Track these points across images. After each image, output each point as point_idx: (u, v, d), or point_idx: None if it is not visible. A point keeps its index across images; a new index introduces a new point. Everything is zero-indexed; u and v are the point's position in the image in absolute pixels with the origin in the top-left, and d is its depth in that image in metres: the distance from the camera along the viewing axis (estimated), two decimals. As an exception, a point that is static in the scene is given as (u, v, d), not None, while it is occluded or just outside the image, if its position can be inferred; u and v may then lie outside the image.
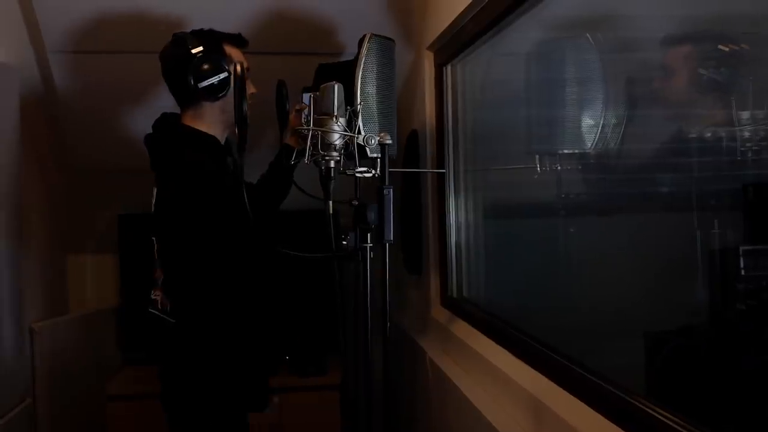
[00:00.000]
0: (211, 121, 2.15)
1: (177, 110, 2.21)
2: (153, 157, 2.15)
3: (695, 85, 1.91)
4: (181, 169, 2.06)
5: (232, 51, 2.16)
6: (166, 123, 2.18)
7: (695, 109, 1.94)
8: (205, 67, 2.07)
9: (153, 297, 2.19)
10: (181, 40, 2.10)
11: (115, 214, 3.26)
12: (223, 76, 2.08)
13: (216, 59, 2.08)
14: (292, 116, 2.21)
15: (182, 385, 2.11)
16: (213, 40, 2.13)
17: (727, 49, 1.81)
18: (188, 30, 2.16)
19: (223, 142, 2.20)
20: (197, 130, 2.14)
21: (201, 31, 2.15)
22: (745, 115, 1.64)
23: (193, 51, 2.06)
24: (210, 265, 2.06)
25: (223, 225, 2.03)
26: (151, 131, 2.19)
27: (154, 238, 2.15)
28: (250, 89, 2.17)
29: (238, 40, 2.19)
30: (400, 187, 2.95)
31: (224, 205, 2.02)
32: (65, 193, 3.15)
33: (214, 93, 2.09)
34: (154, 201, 2.13)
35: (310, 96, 2.11)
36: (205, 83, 2.06)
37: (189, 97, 2.12)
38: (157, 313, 2.16)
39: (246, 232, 2.10)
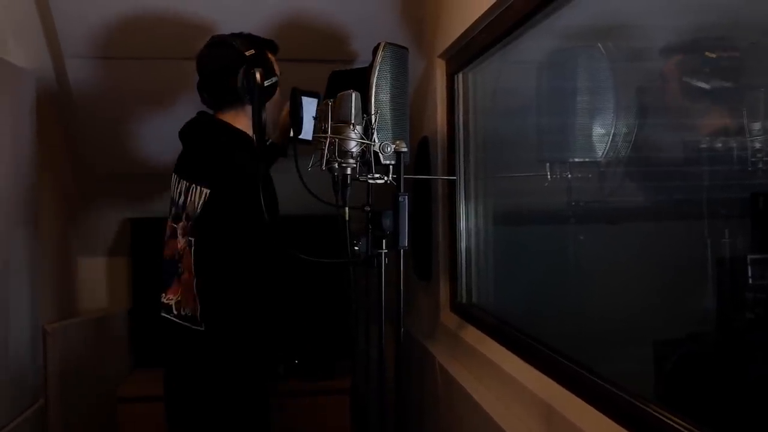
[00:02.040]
0: (245, 123, 2.18)
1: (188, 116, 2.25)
2: (193, 153, 2.17)
3: (703, 95, 1.93)
4: (238, 173, 2.07)
5: (272, 58, 2.20)
6: (206, 122, 2.18)
7: (705, 119, 1.95)
8: (260, 70, 2.08)
9: (165, 301, 2.18)
10: (229, 42, 2.12)
11: (127, 218, 3.29)
12: (275, 79, 2.14)
13: (269, 62, 2.14)
14: (283, 114, 2.23)
15: (199, 389, 2.11)
16: (258, 44, 2.16)
17: (729, 56, 1.84)
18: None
19: None
20: (243, 132, 2.16)
21: (242, 34, 2.17)
22: (757, 126, 1.66)
23: (246, 53, 2.09)
24: (248, 270, 2.07)
25: (262, 231, 2.03)
26: (185, 127, 2.20)
27: (192, 239, 2.10)
28: (276, 95, 2.22)
29: (274, 47, 2.23)
30: (411, 193, 2.96)
31: (263, 211, 2.02)
32: (79, 197, 3.17)
33: (268, 94, 2.13)
34: (191, 199, 2.10)
35: (318, 101, 2.15)
36: (267, 82, 2.10)
37: (232, 98, 2.14)
38: (171, 318, 2.15)
39: (273, 238, 2.12)
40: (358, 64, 2.58)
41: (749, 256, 1.58)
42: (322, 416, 3.01)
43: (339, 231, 1.98)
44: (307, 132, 2.09)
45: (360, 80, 2.07)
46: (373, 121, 1.94)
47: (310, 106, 2.15)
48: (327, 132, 1.88)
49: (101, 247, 3.36)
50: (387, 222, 1.93)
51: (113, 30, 2.55)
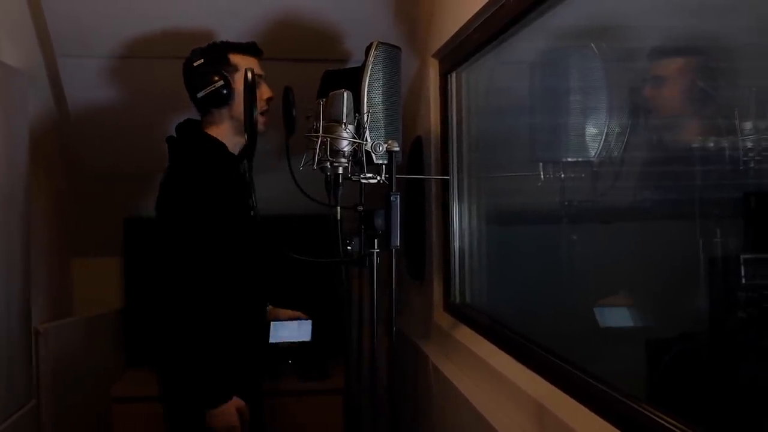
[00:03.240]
0: (221, 126, 2.24)
1: (189, 114, 2.29)
2: (171, 157, 2.23)
3: (695, 95, 1.93)
4: (187, 172, 2.14)
5: (240, 60, 2.22)
6: (187, 128, 2.26)
7: (698, 119, 1.95)
8: (203, 77, 2.17)
9: None
10: (190, 55, 2.21)
11: (120, 218, 3.28)
12: (218, 84, 2.17)
13: (212, 70, 2.18)
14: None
15: (175, 382, 2.15)
16: (217, 51, 2.22)
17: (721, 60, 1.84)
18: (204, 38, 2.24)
19: (239, 148, 2.27)
20: (210, 135, 2.22)
21: (213, 44, 2.24)
22: (748, 125, 1.66)
23: (195, 64, 2.18)
24: (197, 268, 2.08)
25: (216, 231, 2.09)
26: (173, 134, 2.27)
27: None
28: (267, 94, 2.25)
29: (249, 49, 2.25)
30: (404, 193, 2.97)
31: (223, 212, 2.11)
32: (72, 197, 3.17)
33: (215, 101, 2.19)
34: None
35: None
36: (202, 93, 2.18)
37: (197, 106, 2.23)
38: None
39: (244, 238, 2.18)
40: (352, 64, 2.58)
41: (742, 256, 1.58)
42: (315, 416, 3.01)
43: (331, 231, 1.98)
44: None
45: (353, 80, 2.07)
46: (364, 120, 1.94)
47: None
48: (318, 131, 1.87)
49: (94, 247, 3.36)
50: (379, 221, 1.93)
51: (106, 30, 2.55)
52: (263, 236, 2.14)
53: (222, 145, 2.22)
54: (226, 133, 2.24)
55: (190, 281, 2.05)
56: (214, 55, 2.20)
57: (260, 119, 2.20)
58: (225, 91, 2.18)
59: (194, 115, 2.28)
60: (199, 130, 2.25)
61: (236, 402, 2.10)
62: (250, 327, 2.30)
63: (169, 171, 2.17)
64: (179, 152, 2.21)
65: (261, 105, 2.22)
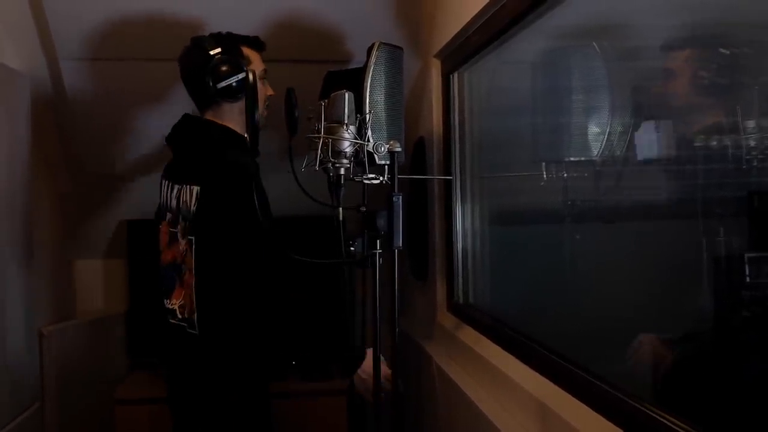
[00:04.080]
0: (231, 121, 2.18)
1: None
2: (183, 156, 2.17)
3: (697, 93, 1.92)
4: (230, 169, 2.05)
5: (249, 53, 2.19)
6: (193, 123, 2.19)
7: (701, 117, 1.94)
8: (223, 68, 2.10)
9: (170, 306, 2.15)
10: (200, 42, 2.14)
11: (123, 220, 3.28)
12: (241, 76, 2.11)
13: (234, 60, 2.11)
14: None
15: (199, 391, 2.10)
16: (231, 41, 2.16)
17: (728, 53, 1.83)
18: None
19: None
20: (231, 129, 2.16)
21: (219, 34, 2.18)
22: (751, 123, 1.65)
23: (212, 53, 2.10)
24: (245, 270, 2.03)
25: (262, 231, 2.01)
26: (171, 132, 2.20)
27: (192, 238, 2.08)
28: (268, 91, 2.23)
29: (255, 44, 2.23)
30: (407, 194, 2.97)
31: (257, 211, 2.00)
32: (74, 199, 3.17)
33: (233, 93, 2.12)
34: (184, 200, 2.09)
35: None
36: (223, 83, 2.10)
37: (208, 98, 2.15)
38: (177, 322, 2.12)
39: (268, 239, 2.10)
40: (354, 65, 2.57)
41: (746, 255, 1.57)
42: (319, 417, 3.01)
43: (334, 232, 1.98)
44: None
45: (355, 80, 2.07)
46: (366, 121, 1.94)
47: None
48: (320, 132, 1.87)
49: (97, 249, 3.36)
50: (381, 222, 1.93)
51: (108, 31, 2.55)
52: (268, 237, 2.12)
53: (244, 138, 2.13)
54: (237, 126, 2.18)
55: (249, 292, 2.02)
56: (230, 46, 2.14)
57: (264, 114, 2.19)
58: (242, 84, 2.10)
59: (187, 109, 2.23)
60: (219, 124, 2.16)
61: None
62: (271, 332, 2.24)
63: (206, 174, 2.07)
64: (210, 151, 2.11)
65: (264, 102, 2.20)
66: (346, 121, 1.90)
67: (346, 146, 1.90)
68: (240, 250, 2.02)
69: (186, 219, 2.09)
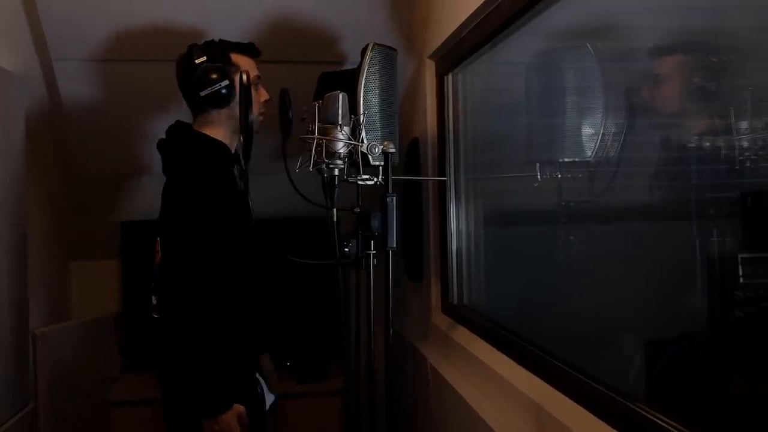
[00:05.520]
0: (219, 127, 2.18)
1: (182, 117, 2.24)
2: (164, 161, 2.18)
3: (691, 95, 1.93)
4: (190, 173, 2.07)
5: (240, 60, 2.18)
6: (179, 129, 2.21)
7: (693, 118, 1.95)
8: (207, 76, 2.11)
9: (154, 302, 2.19)
10: (189, 50, 2.15)
11: (117, 221, 3.27)
12: (224, 84, 2.11)
13: (218, 68, 2.12)
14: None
15: (177, 386, 2.10)
16: (219, 49, 2.16)
17: (717, 60, 1.84)
18: (201, 40, 2.20)
19: (233, 149, 2.22)
20: (208, 135, 2.17)
21: (211, 41, 2.19)
22: (744, 124, 1.66)
23: (197, 61, 2.11)
24: (207, 271, 2.03)
25: (224, 233, 2.03)
26: (164, 137, 2.21)
27: (159, 238, 2.13)
28: (264, 96, 2.23)
29: (248, 50, 2.22)
30: (401, 195, 2.97)
31: (228, 214, 2.04)
32: (68, 200, 3.16)
33: (218, 101, 2.12)
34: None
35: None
36: (206, 92, 2.10)
37: (196, 105, 2.17)
38: (156, 316, 2.15)
39: (247, 240, 2.12)
40: (348, 66, 2.58)
41: (740, 255, 1.58)
42: (314, 418, 3.01)
43: (328, 232, 1.98)
44: None
45: (350, 81, 2.07)
46: (360, 122, 1.94)
47: None
48: (314, 133, 1.87)
49: (91, 251, 3.35)
50: (376, 223, 1.93)
51: (102, 33, 2.54)
52: (261, 239, 2.12)
53: (225, 146, 2.18)
54: (224, 134, 2.19)
55: (199, 287, 2.00)
56: (217, 54, 2.15)
57: (258, 121, 2.19)
58: (228, 92, 2.12)
59: (184, 116, 2.24)
60: (195, 131, 2.19)
61: (237, 409, 2.04)
62: (253, 331, 2.24)
63: (170, 177, 2.11)
64: (177, 156, 2.15)
65: (258, 107, 2.20)
66: (340, 122, 1.90)
67: (340, 147, 1.90)
68: (187, 251, 2.02)
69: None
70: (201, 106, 2.16)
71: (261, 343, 2.32)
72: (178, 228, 2.04)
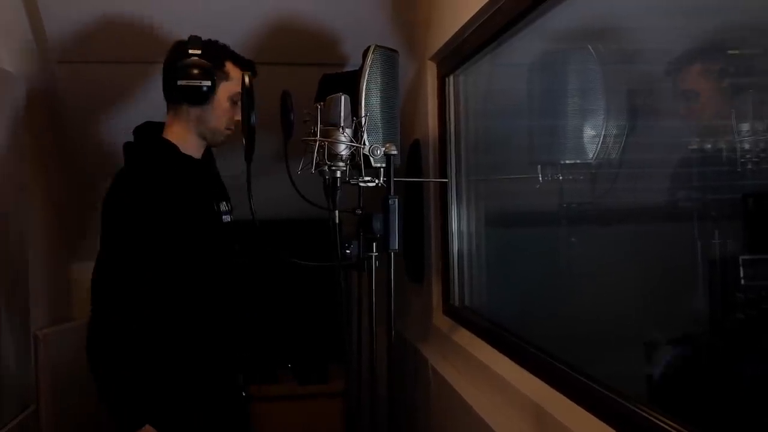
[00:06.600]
0: (187, 126, 2.10)
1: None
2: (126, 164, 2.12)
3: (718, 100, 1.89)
4: (131, 179, 2.02)
5: (233, 71, 2.11)
6: (144, 131, 2.14)
7: (703, 121, 1.94)
8: (192, 69, 2.03)
9: None
10: (185, 42, 2.08)
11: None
12: (206, 83, 2.03)
13: (206, 67, 2.04)
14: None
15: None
16: (217, 51, 2.10)
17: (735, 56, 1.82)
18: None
19: (201, 153, 2.15)
20: (164, 139, 2.10)
21: (215, 42, 2.13)
22: (745, 126, 1.66)
23: (190, 51, 2.05)
24: (127, 284, 1.99)
25: (161, 241, 1.97)
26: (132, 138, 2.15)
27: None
28: (236, 115, 2.12)
29: (246, 65, 2.14)
30: (403, 196, 2.97)
31: (171, 220, 1.99)
32: (69, 202, 3.16)
33: (192, 96, 2.04)
34: None
35: None
36: (184, 82, 2.02)
37: (170, 94, 2.09)
38: None
39: (199, 245, 2.06)
40: (350, 68, 2.57)
41: (741, 257, 1.58)
42: (315, 420, 3.01)
43: (330, 234, 1.98)
44: None
45: (351, 83, 2.08)
46: (362, 124, 1.95)
47: None
48: (316, 135, 1.88)
49: (93, 252, 3.34)
50: (377, 225, 1.94)
51: (103, 34, 2.54)
52: (263, 241, 2.11)
53: (174, 147, 2.09)
54: (187, 133, 2.10)
55: (133, 291, 1.95)
56: (212, 54, 2.08)
57: (225, 134, 2.13)
58: (206, 92, 2.04)
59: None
60: (155, 133, 2.11)
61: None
62: (219, 336, 2.13)
63: (117, 175, 2.04)
64: (132, 156, 2.08)
65: (230, 122, 2.12)
66: (342, 124, 1.90)
67: (342, 149, 1.90)
68: (115, 265, 2.00)
69: None
70: (174, 97, 2.08)
71: (231, 361, 2.20)
72: (119, 231, 1.99)
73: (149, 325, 1.97)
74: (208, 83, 2.04)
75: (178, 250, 2.00)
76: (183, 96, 2.05)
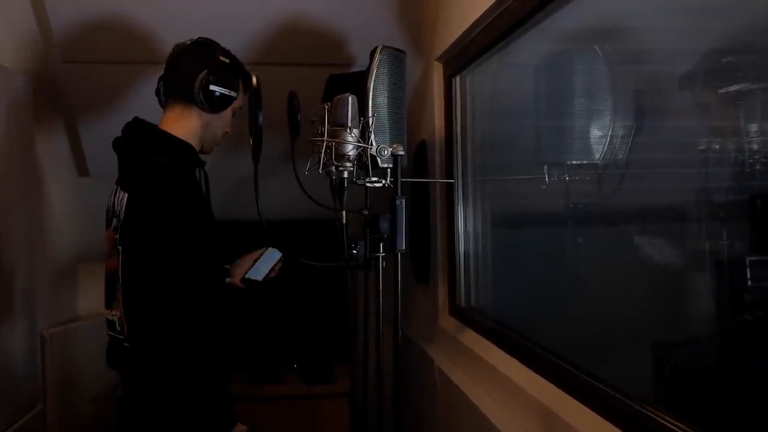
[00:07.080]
0: (192, 128, 2.03)
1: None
2: (124, 161, 2.03)
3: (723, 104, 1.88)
4: (153, 175, 1.90)
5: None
6: (134, 127, 2.04)
7: (712, 122, 1.94)
8: (229, 77, 1.99)
9: (110, 317, 2.00)
10: (211, 45, 2.03)
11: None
12: (233, 94, 1.99)
13: (234, 78, 2.01)
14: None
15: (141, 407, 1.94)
16: (237, 62, 2.06)
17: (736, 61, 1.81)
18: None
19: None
20: (172, 135, 2.01)
21: (230, 51, 2.07)
22: (754, 127, 1.66)
23: (221, 58, 2.00)
24: (177, 283, 1.86)
25: (196, 240, 1.89)
26: (117, 137, 2.05)
27: (120, 248, 1.91)
28: (226, 128, 2.09)
29: (248, 76, 2.09)
30: (409, 197, 2.97)
31: (199, 219, 1.92)
32: (76, 201, 3.17)
33: (216, 103, 1.99)
34: (120, 207, 1.95)
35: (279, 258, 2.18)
36: (219, 91, 1.96)
37: (187, 95, 1.99)
38: (115, 335, 1.98)
39: (214, 249, 1.98)
40: (357, 68, 2.58)
41: (748, 258, 1.58)
42: (321, 420, 3.01)
43: (337, 235, 1.98)
44: (257, 272, 2.21)
45: (358, 84, 2.08)
46: (369, 124, 1.95)
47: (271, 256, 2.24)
48: (323, 135, 1.88)
49: (100, 251, 3.35)
50: (384, 225, 1.94)
51: (110, 34, 2.55)
52: (268, 240, 2.11)
53: (189, 145, 2.01)
54: (192, 135, 2.02)
55: (176, 308, 1.85)
56: (237, 64, 2.04)
57: (217, 143, 2.09)
58: (229, 101, 1.99)
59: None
60: (160, 130, 2.02)
61: (240, 428, 1.94)
62: (227, 339, 2.06)
63: (137, 178, 1.94)
64: (147, 158, 1.96)
65: (221, 133, 2.08)
66: (349, 125, 1.90)
67: (350, 149, 1.91)
68: (165, 260, 1.86)
69: (116, 228, 1.97)
70: (195, 98, 1.98)
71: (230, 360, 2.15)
72: (154, 237, 1.87)
73: (190, 320, 1.88)
74: (235, 95, 2.00)
75: (208, 247, 1.94)
76: (209, 101, 1.98)
